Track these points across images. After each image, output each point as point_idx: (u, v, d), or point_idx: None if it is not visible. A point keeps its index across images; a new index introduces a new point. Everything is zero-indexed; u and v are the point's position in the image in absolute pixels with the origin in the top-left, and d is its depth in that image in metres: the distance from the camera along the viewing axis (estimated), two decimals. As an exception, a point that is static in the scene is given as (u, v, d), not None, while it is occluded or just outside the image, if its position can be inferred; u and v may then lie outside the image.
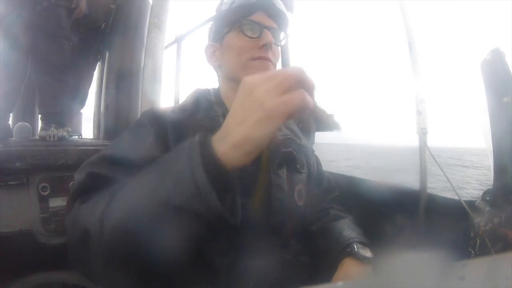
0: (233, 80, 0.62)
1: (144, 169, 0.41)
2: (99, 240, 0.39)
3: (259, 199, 0.59)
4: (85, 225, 0.41)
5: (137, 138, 0.55)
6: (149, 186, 0.38)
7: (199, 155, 0.35)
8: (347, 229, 0.68)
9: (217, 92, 0.67)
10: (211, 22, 0.69)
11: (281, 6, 0.63)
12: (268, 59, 0.59)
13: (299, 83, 0.35)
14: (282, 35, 0.65)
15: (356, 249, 0.62)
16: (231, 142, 0.35)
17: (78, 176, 0.49)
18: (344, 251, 0.63)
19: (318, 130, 1.02)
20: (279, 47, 0.65)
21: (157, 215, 0.36)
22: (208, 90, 0.68)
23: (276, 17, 0.62)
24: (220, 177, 0.35)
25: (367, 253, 0.62)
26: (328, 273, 0.63)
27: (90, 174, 0.47)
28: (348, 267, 0.60)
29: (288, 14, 0.65)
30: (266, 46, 0.58)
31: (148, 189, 0.38)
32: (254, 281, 0.56)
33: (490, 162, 0.68)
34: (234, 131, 0.35)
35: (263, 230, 0.58)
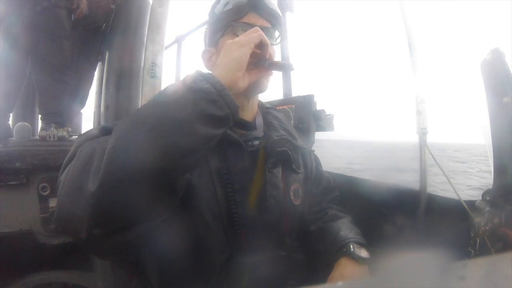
0: None
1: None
2: (103, 152, 0.40)
3: (254, 197, 0.60)
4: (93, 146, 0.43)
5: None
6: (157, 104, 0.45)
7: (201, 74, 0.46)
8: (345, 229, 0.68)
9: None
10: (206, 27, 0.70)
11: (273, 5, 0.63)
12: None
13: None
14: (276, 34, 0.65)
15: (352, 249, 0.62)
16: (221, 66, 0.49)
17: (86, 133, 0.52)
18: (340, 251, 0.63)
19: (317, 130, 1.02)
20: (275, 46, 0.65)
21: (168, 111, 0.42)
22: None
23: (269, 17, 0.63)
24: (219, 83, 0.45)
25: (363, 253, 0.62)
26: (325, 272, 0.63)
27: (102, 129, 0.49)
28: (343, 267, 0.61)
29: (282, 13, 0.65)
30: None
31: (157, 104, 0.45)
32: (248, 277, 0.57)
33: (490, 162, 0.68)
34: (222, 60, 0.50)
35: (259, 227, 0.59)
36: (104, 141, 0.42)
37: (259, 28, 0.54)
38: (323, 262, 0.65)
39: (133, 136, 0.41)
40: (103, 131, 0.48)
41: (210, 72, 0.49)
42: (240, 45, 0.50)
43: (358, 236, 0.66)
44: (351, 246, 0.63)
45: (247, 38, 0.51)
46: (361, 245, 0.64)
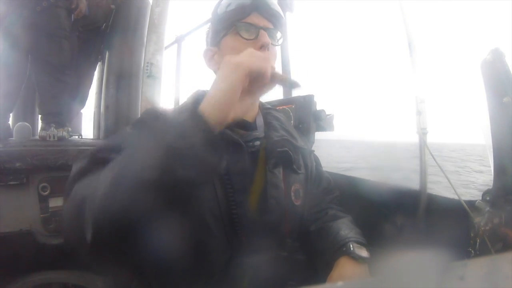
0: None
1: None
2: (95, 199, 0.41)
3: (255, 197, 0.60)
4: (83, 193, 0.44)
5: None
6: (146, 141, 0.44)
7: (189, 115, 0.43)
8: (345, 228, 0.68)
9: None
10: (208, 27, 0.70)
11: (276, 6, 0.63)
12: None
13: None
14: (278, 34, 0.65)
15: (352, 249, 0.62)
16: (208, 98, 0.45)
17: (79, 162, 0.52)
18: (340, 250, 0.63)
19: (317, 130, 1.02)
20: (276, 47, 0.65)
21: (152, 158, 0.40)
22: (207, 92, 0.70)
23: (271, 18, 0.62)
24: (205, 125, 0.42)
25: (363, 252, 0.62)
26: (325, 272, 0.63)
27: (93, 158, 0.50)
28: (343, 266, 0.61)
29: (283, 13, 0.65)
30: (264, 47, 0.59)
31: (145, 142, 0.44)
32: (249, 278, 0.57)
33: (490, 162, 0.68)
34: (211, 89, 0.46)
35: (260, 227, 0.59)
36: (94, 185, 0.42)
37: (264, 56, 0.49)
38: (323, 262, 0.65)
39: (117, 192, 0.40)
40: (93, 161, 0.49)
41: (199, 109, 0.44)
42: (235, 68, 0.45)
43: (358, 236, 0.66)
44: (351, 246, 0.63)
45: (246, 61, 0.46)
46: (361, 244, 0.64)
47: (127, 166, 0.42)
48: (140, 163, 0.41)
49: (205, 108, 0.44)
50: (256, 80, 0.48)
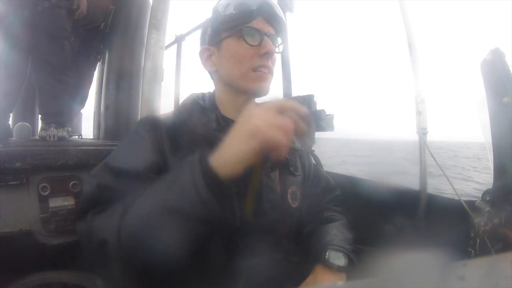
0: (230, 86, 0.63)
1: (153, 184, 0.48)
2: (117, 248, 0.45)
3: (251, 201, 0.60)
4: (102, 236, 0.46)
5: (134, 147, 0.59)
6: (159, 199, 0.46)
7: (200, 172, 0.43)
8: (331, 234, 0.66)
9: (211, 96, 0.67)
10: (206, 25, 0.68)
11: (280, 12, 0.63)
12: (268, 68, 0.61)
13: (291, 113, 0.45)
14: (279, 40, 0.65)
15: (327, 257, 0.61)
16: (223, 158, 0.44)
17: (87, 188, 0.55)
18: (317, 256, 0.63)
19: (317, 130, 1.02)
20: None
21: (167, 222, 0.44)
22: (203, 95, 0.69)
23: (274, 23, 0.62)
24: (218, 187, 0.43)
25: (339, 261, 0.61)
26: None
27: (98, 186, 0.53)
28: (317, 273, 0.61)
29: (284, 19, 0.65)
30: (268, 54, 0.59)
31: (159, 202, 0.45)
32: (245, 279, 0.57)
33: (490, 161, 0.68)
34: (226, 148, 0.44)
35: (256, 230, 0.59)
36: (114, 233, 0.45)
37: (286, 127, 0.43)
38: (310, 266, 0.65)
39: (144, 238, 0.44)
40: (106, 189, 0.52)
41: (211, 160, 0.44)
42: (252, 134, 0.42)
43: (343, 243, 0.64)
44: (327, 254, 0.62)
45: (265, 136, 0.41)
46: (343, 252, 0.62)
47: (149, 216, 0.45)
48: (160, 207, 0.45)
49: (216, 163, 0.44)
50: (270, 150, 0.44)
